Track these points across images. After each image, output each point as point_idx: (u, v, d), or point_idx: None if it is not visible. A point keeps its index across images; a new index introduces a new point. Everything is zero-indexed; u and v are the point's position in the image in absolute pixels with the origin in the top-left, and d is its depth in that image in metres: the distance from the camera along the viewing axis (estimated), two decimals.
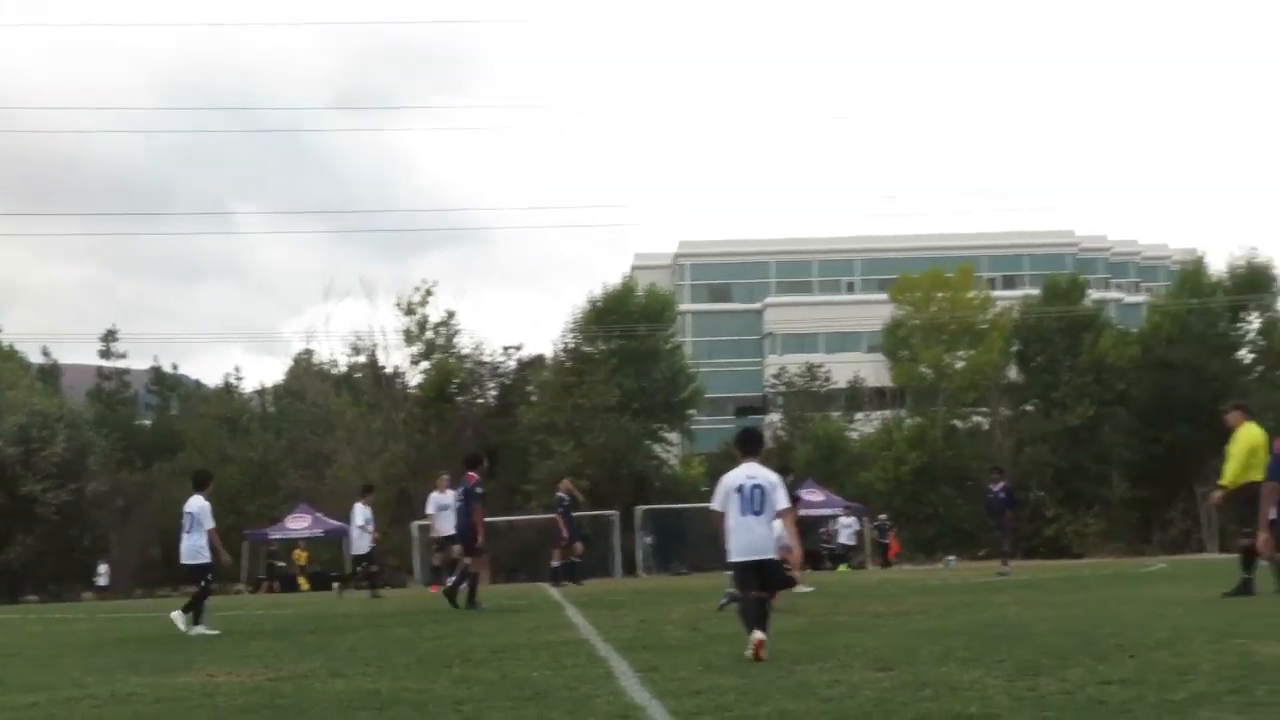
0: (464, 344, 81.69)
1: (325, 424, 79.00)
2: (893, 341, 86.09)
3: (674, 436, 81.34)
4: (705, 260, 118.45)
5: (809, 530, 63.12)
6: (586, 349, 76.95)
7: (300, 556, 63.70)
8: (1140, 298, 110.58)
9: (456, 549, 36.84)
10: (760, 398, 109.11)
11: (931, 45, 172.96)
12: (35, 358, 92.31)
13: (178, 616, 21.87)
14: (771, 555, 14.52)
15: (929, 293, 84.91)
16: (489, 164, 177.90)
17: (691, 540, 59.86)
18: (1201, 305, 79.64)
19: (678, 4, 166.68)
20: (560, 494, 41.13)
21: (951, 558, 62.88)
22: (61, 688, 13.90)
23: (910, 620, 18.89)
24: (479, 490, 26.88)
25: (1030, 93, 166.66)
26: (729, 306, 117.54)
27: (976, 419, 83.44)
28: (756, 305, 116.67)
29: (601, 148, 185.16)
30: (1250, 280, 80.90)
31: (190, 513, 22.20)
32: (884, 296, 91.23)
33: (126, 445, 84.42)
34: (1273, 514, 21.10)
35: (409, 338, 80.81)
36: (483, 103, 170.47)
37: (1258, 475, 21.74)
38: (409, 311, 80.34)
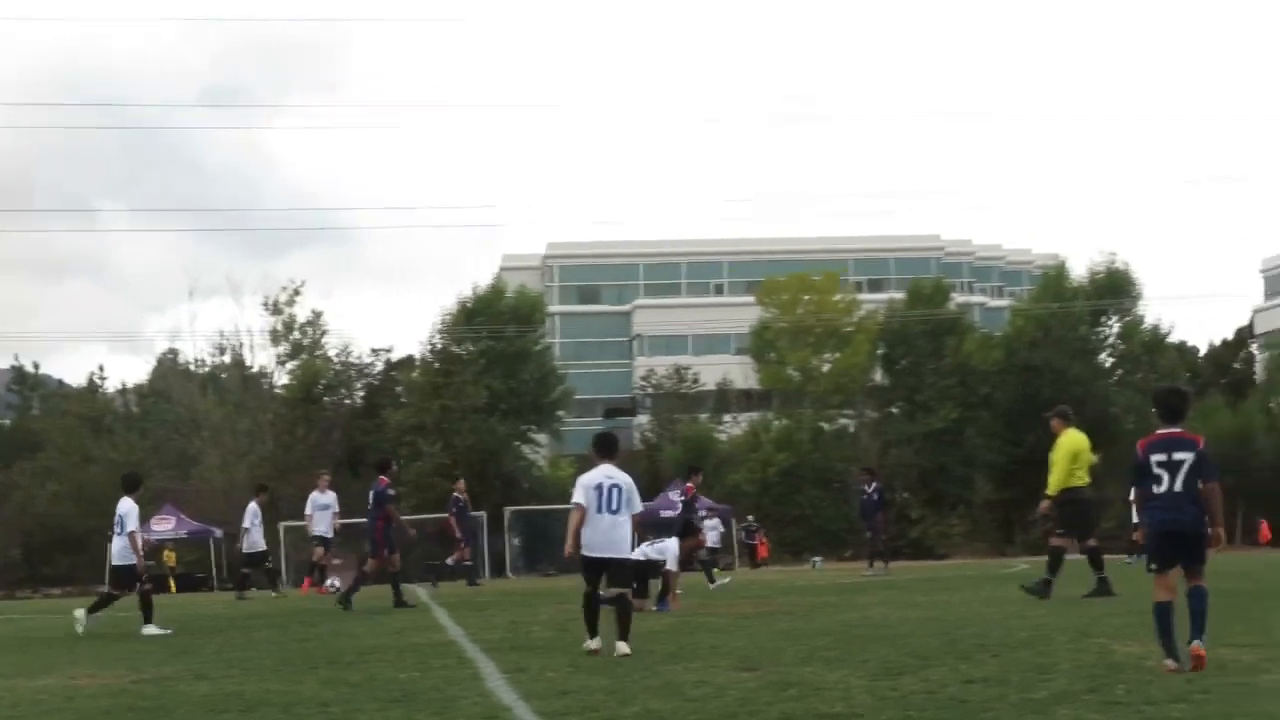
0: (332, 344, 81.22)
1: (190, 424, 78.05)
2: (760, 344, 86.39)
3: (543, 438, 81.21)
4: (574, 262, 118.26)
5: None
6: (455, 350, 76.68)
7: (169, 558, 62.90)
8: (1004, 302, 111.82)
9: (319, 552, 36.72)
10: (629, 399, 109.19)
11: (801, 50, 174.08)
12: None
13: (150, 630, 21.56)
14: (623, 555, 15.02)
15: (795, 295, 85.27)
16: (357, 163, 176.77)
17: (560, 542, 59.78)
18: (1063, 310, 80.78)
19: (548, 3, 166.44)
20: (456, 494, 41.10)
21: (818, 559, 63.33)
22: None
23: (776, 621, 19.02)
24: (390, 492, 27.02)
25: (898, 98, 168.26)
26: (597, 308, 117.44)
27: (843, 421, 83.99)
28: (625, 307, 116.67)
29: (470, 148, 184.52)
30: (1110, 285, 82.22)
31: (120, 514, 22.07)
32: (751, 299, 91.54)
33: None
34: (1135, 519, 21.41)
35: (275, 338, 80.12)
36: (350, 102, 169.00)
37: (1080, 481, 22.12)
38: (275, 311, 79.67)
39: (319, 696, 11.78)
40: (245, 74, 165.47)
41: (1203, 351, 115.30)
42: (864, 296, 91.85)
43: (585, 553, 14.90)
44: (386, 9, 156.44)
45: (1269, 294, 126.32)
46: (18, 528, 71.09)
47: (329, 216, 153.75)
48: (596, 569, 14.89)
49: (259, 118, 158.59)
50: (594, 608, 14.94)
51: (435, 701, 11.10)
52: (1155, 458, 11.61)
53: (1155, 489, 11.58)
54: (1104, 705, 9.62)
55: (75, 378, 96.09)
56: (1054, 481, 22.11)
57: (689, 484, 32.18)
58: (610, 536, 14.88)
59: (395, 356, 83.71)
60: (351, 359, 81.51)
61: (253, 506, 37.51)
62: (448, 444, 70.30)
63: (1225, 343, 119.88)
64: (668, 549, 23.21)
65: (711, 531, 61.05)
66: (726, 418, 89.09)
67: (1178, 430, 11.71)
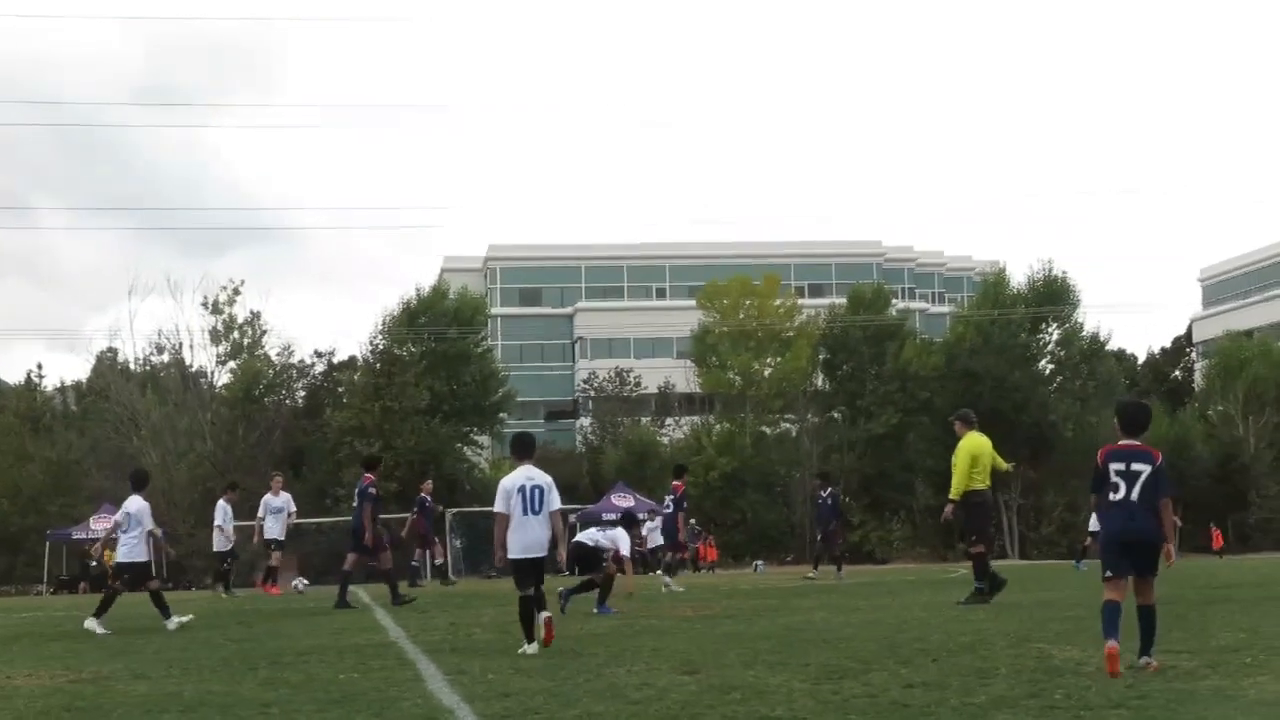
0: (272, 345, 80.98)
1: (130, 423, 77.60)
2: (701, 348, 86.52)
3: (484, 440, 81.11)
4: (515, 264, 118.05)
5: None
6: (396, 351, 76.50)
7: (110, 557, 62.38)
8: (945, 308, 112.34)
9: (277, 555, 36.48)
10: (571, 402, 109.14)
11: (744, 54, 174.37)
12: None
13: (172, 623, 21.45)
14: (546, 553, 15.26)
15: (737, 300, 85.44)
16: (297, 164, 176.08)
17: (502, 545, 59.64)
18: (1003, 317, 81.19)
19: (489, 4, 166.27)
20: (423, 495, 41.26)
21: (760, 562, 63.50)
22: None
23: (718, 624, 19.03)
24: (372, 490, 27.18)
25: (840, 105, 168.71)
26: (539, 310, 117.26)
27: (784, 425, 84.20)
28: (567, 310, 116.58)
29: (410, 149, 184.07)
30: (1048, 293, 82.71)
31: (129, 512, 21.96)
32: (693, 303, 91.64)
33: None
34: (1093, 524, 21.53)
35: (215, 337, 79.82)
36: (290, 102, 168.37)
37: (981, 484, 22.25)
38: (215, 311, 79.37)
39: (259, 697, 11.74)
40: (183, 73, 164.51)
41: (1141, 359, 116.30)
42: (805, 301, 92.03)
43: (515, 556, 15.12)
44: (325, 9, 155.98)
45: (1207, 303, 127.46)
46: None
47: (268, 216, 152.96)
48: (529, 571, 15.14)
49: (197, 117, 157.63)
50: (530, 612, 15.15)
51: (375, 703, 11.08)
52: (1114, 466, 11.87)
53: (1112, 496, 11.82)
54: (1043, 710, 9.69)
55: (13, 376, 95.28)
56: (955, 485, 22.20)
57: (678, 483, 32.48)
58: (538, 537, 15.16)
59: (336, 358, 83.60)
60: (292, 360, 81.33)
61: (222, 504, 36.98)
62: (388, 445, 70.08)
63: (1164, 351, 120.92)
64: (618, 537, 23.32)
65: (654, 532, 61.16)
66: (668, 421, 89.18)
67: (1138, 443, 12.02)
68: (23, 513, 72.01)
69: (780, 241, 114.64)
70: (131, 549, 22.02)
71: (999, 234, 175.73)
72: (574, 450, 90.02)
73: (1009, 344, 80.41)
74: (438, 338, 76.64)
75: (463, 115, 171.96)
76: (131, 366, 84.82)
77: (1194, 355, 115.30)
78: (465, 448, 78.20)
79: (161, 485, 73.23)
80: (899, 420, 77.17)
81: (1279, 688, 10.47)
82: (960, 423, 23.09)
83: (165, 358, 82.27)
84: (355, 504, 27.94)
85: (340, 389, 79.91)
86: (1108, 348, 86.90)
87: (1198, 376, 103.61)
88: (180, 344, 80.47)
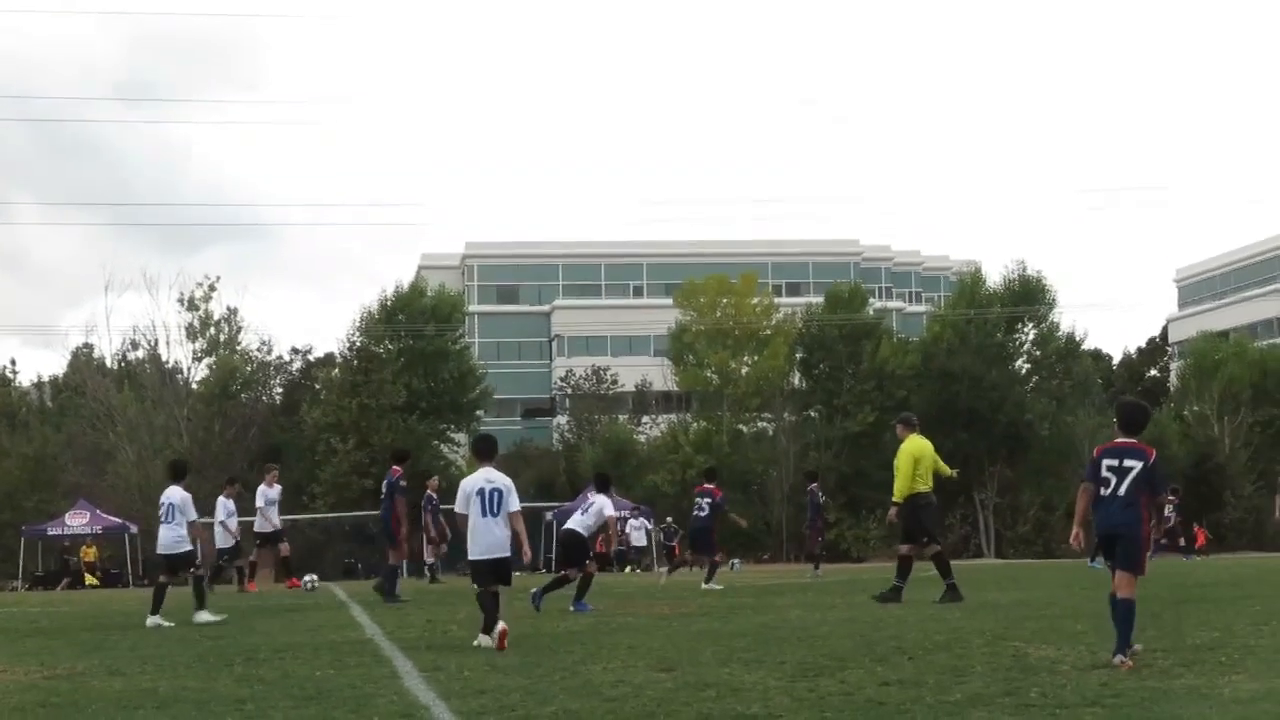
0: (249, 341, 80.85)
1: (105, 419, 77.39)
2: (678, 346, 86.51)
3: (461, 437, 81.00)
4: (493, 261, 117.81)
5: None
6: (374, 348, 76.38)
7: (88, 553, 62.19)
8: (921, 308, 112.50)
9: (285, 546, 36.28)
10: (548, 399, 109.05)
11: (724, 52, 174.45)
12: None
13: (203, 616, 21.66)
14: (508, 554, 15.63)
15: (714, 298, 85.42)
16: (274, 160, 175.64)
17: None
18: (979, 316, 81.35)
19: (469, 1, 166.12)
20: (430, 493, 41.36)
21: (736, 561, 63.47)
22: None
23: (694, 622, 19.05)
24: (402, 483, 27.70)
25: (817, 104, 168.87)
26: (517, 308, 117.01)
27: (761, 424, 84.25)
28: (544, 307, 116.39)
29: (388, 146, 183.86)
30: (1024, 292, 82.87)
31: (171, 503, 22.08)
32: (670, 301, 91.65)
33: None
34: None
35: (191, 333, 79.64)
36: (268, 98, 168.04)
37: (924, 486, 22.36)
38: (191, 307, 79.19)
39: (234, 694, 11.72)
40: (160, 69, 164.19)
41: (1117, 359, 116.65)
42: (782, 300, 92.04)
43: (474, 556, 15.61)
44: (303, 5, 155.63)
45: (1182, 303, 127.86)
46: None
47: (246, 213, 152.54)
48: (486, 571, 15.57)
49: (174, 112, 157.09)
50: (492, 602, 15.47)
51: (351, 700, 11.06)
52: (1107, 462, 12.40)
53: (1102, 491, 12.32)
54: (1018, 708, 9.71)
55: None
56: (899, 487, 22.32)
57: (712, 485, 32.59)
58: (496, 538, 15.53)
59: (314, 355, 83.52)
60: (270, 356, 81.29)
61: (223, 500, 36.39)
62: (365, 442, 70.00)
63: (1140, 351, 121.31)
64: (602, 505, 23.59)
65: (637, 531, 61.29)
66: (645, 419, 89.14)
67: (1133, 441, 12.62)
68: None
69: (757, 240, 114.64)
70: (175, 539, 22.13)
71: (976, 234, 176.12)
72: (551, 448, 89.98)
73: (985, 343, 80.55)
74: (415, 335, 76.58)
75: (441, 113, 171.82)
76: (108, 362, 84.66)
77: (1170, 355, 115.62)
78: (442, 445, 78.14)
79: (138, 481, 73.12)
80: (875, 419, 77.11)
81: (1254, 686, 10.51)
82: (902, 425, 23.28)
83: (141, 354, 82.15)
84: (384, 496, 28.11)
85: (317, 386, 79.79)
86: (1084, 347, 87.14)
87: (1173, 377, 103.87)
88: (156, 340, 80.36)
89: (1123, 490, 12.23)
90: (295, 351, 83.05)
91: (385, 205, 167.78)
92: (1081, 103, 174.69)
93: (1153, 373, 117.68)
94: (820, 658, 13.26)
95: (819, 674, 11.90)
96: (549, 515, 64.12)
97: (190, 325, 79.39)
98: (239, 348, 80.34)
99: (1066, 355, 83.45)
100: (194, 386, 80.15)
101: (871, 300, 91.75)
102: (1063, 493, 79.35)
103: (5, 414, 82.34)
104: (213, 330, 79.88)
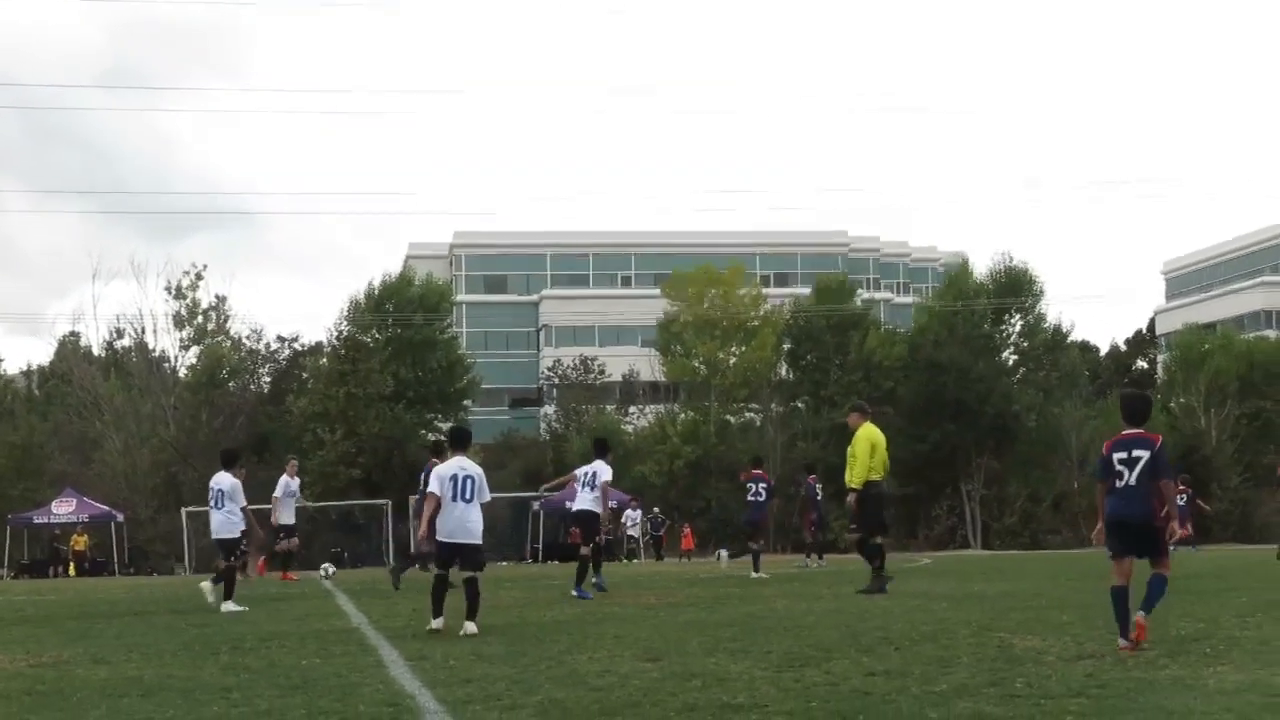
0: (237, 330, 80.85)
1: (92, 407, 77.33)
2: (666, 336, 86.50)
3: (448, 427, 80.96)
4: (481, 251, 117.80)
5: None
6: (361, 337, 76.29)
7: (79, 542, 62.13)
8: (909, 299, 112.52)
9: (294, 540, 35.96)
10: (535, 389, 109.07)
11: (711, 43, 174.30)
12: None
13: (207, 587, 22.19)
14: (476, 540, 16.03)
15: (702, 289, 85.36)
16: (262, 149, 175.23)
17: None
18: (966, 308, 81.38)
19: None
20: None
21: (724, 551, 63.44)
22: None
23: (680, 612, 19.05)
24: None
25: (807, 95, 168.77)
26: (505, 298, 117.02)
27: (749, 415, 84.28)
28: (532, 297, 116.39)
29: (376, 134, 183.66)
30: (1010, 284, 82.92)
31: (221, 489, 22.53)
32: (658, 291, 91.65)
33: None
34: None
35: (179, 321, 79.56)
36: (256, 86, 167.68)
37: (878, 474, 22.43)
38: (179, 295, 79.11)
39: (220, 682, 11.71)
40: (146, 56, 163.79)
41: (1104, 351, 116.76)
42: (770, 291, 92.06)
43: (440, 538, 16.03)
44: None
45: (1170, 296, 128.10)
46: None
47: (233, 201, 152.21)
48: (450, 554, 16.07)
49: (161, 100, 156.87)
50: (442, 591, 16.11)
51: (337, 689, 11.05)
52: (1117, 455, 12.73)
53: (1116, 483, 12.67)
54: (1003, 698, 9.71)
55: None
56: (857, 475, 22.37)
57: (760, 470, 32.65)
58: (463, 524, 15.95)
59: (301, 344, 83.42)
60: (259, 345, 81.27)
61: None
62: (352, 431, 69.95)
63: (1127, 343, 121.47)
64: (599, 470, 23.63)
65: (633, 522, 61.39)
66: (633, 409, 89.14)
67: (1139, 431, 12.84)
68: None
69: (746, 231, 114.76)
70: (226, 524, 22.50)
71: (965, 226, 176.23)
72: (538, 438, 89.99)
73: (972, 335, 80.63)
74: (403, 324, 76.51)
75: (429, 101, 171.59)
76: (94, 351, 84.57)
77: (1157, 348, 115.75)
78: (429, 434, 78.10)
79: (123, 470, 73.09)
80: None
81: (1239, 678, 10.51)
82: (857, 414, 23.46)
83: (128, 341, 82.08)
84: (422, 488, 28.16)
85: (305, 374, 79.73)
86: (1071, 339, 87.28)
87: (1160, 369, 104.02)
88: (143, 328, 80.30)
89: (1134, 480, 12.56)
90: (282, 340, 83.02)
91: (373, 194, 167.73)
92: (1070, 95, 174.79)
93: (1140, 364, 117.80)
94: (806, 648, 13.27)
95: (805, 664, 11.90)
96: (536, 505, 64.13)
97: (178, 313, 79.40)
98: (230, 333, 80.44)
99: (1053, 346, 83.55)
100: (181, 375, 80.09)
101: (859, 291, 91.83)
102: (1049, 484, 79.54)
103: None
104: (200, 319, 79.83)
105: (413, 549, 28.69)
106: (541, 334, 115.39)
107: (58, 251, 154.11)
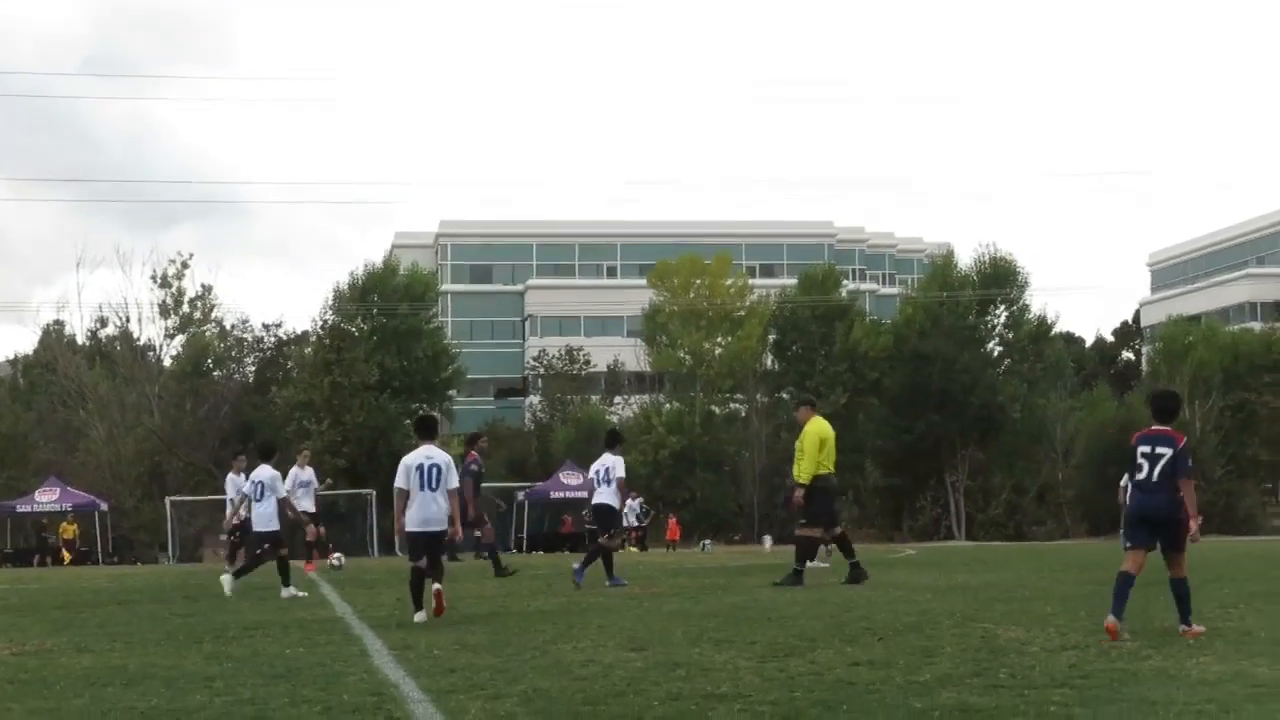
0: (222, 319, 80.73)
1: (77, 396, 77.18)
2: (652, 327, 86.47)
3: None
4: (466, 241, 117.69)
5: (572, 510, 63.35)
6: (346, 327, 76.11)
7: (67, 530, 61.96)
8: (895, 290, 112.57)
9: (312, 529, 35.85)
10: (520, 379, 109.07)
11: (699, 35, 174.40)
12: None
13: (227, 580, 22.59)
14: (444, 528, 16.33)
15: (687, 279, 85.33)
16: (247, 137, 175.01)
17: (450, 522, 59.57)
18: (951, 299, 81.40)
19: None
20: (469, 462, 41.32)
21: (707, 541, 63.62)
22: None
23: (664, 602, 19.06)
24: (474, 468, 28.05)
25: (793, 85, 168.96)
26: (490, 288, 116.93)
27: (734, 405, 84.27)
28: (517, 287, 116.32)
29: (363, 123, 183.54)
30: (995, 275, 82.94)
31: (260, 481, 22.89)
32: (644, 281, 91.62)
33: None
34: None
35: (164, 310, 79.44)
36: (241, 74, 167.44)
37: (827, 469, 22.41)
38: (164, 284, 78.96)
39: (203, 671, 11.70)
40: (131, 44, 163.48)
41: (1090, 342, 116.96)
42: (755, 281, 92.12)
43: (410, 529, 16.22)
44: None
45: (1155, 287, 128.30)
46: None
47: (219, 190, 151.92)
48: (421, 543, 16.21)
49: (147, 88, 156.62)
50: (420, 582, 16.23)
51: (321, 678, 11.04)
52: (1142, 449, 13.20)
53: (1137, 476, 13.15)
54: (987, 688, 9.73)
55: None
56: (806, 469, 22.27)
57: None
58: (433, 511, 16.21)
59: (287, 333, 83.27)
60: (244, 334, 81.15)
61: (231, 477, 35.62)
62: (337, 421, 69.84)
63: (1113, 334, 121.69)
64: (614, 466, 23.78)
65: (630, 512, 61.40)
66: (618, 399, 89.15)
67: (1166, 428, 13.29)
68: None
69: (732, 221, 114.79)
70: (267, 517, 22.78)
71: (951, 217, 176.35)
72: (523, 428, 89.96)
73: (957, 326, 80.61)
74: (388, 314, 76.36)
75: (415, 91, 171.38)
76: (79, 339, 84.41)
77: (1142, 340, 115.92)
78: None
79: (108, 458, 72.92)
80: (848, 401, 77.20)
81: (1221, 668, 10.54)
82: (806, 407, 23.40)
83: (112, 330, 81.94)
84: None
85: (289, 364, 79.59)
86: (1056, 330, 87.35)
87: (1144, 361, 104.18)
88: (128, 317, 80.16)
89: (1155, 475, 12.97)
90: (266, 327, 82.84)
91: (359, 183, 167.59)
92: (1056, 87, 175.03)
93: (1126, 356, 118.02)
94: (790, 638, 13.27)
95: (789, 654, 11.91)
96: (520, 495, 64.10)
97: (163, 302, 79.25)
98: (214, 325, 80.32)
99: (1038, 338, 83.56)
100: (166, 364, 79.95)
101: (845, 282, 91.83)
102: (1034, 475, 79.63)
103: None
104: (185, 308, 79.69)
105: (484, 538, 29.55)
106: (527, 324, 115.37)
107: (42, 239, 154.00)
